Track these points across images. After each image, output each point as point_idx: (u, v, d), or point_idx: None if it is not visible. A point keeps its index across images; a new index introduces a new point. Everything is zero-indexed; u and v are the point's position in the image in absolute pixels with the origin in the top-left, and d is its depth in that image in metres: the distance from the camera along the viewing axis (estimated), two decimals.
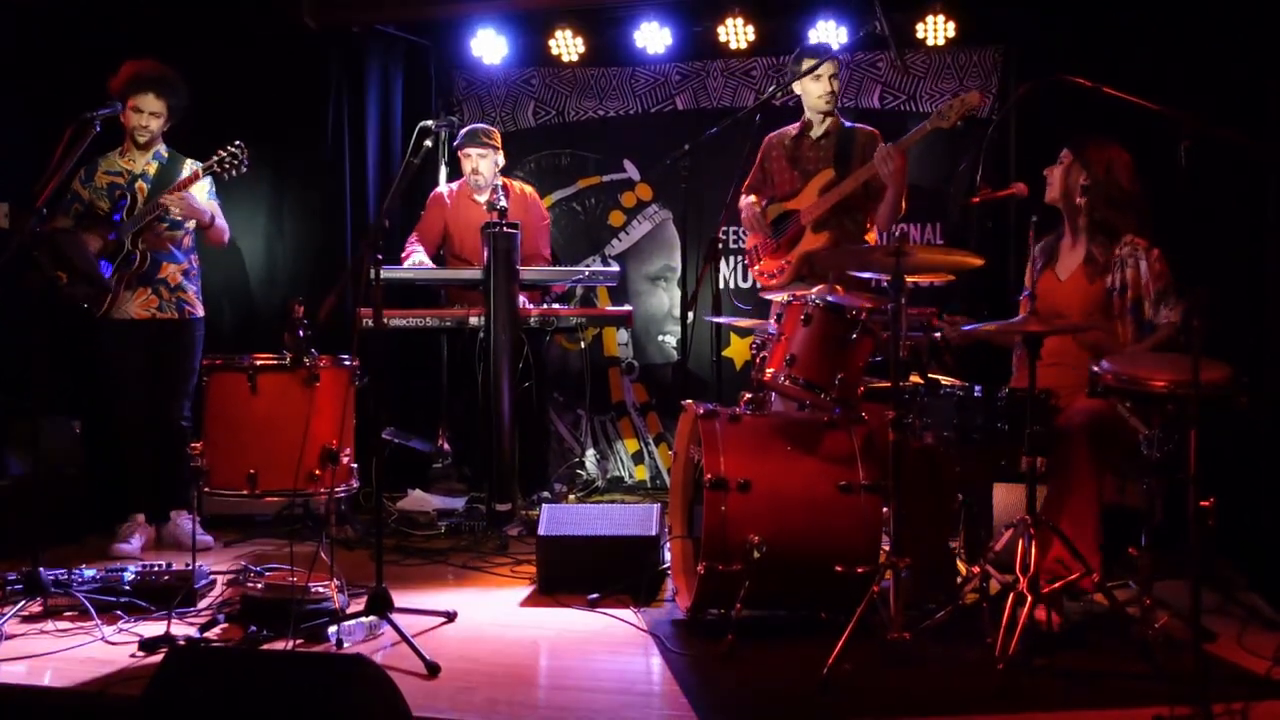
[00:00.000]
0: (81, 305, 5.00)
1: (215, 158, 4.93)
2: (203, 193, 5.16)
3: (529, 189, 6.04)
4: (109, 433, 5.27)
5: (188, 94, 5.15)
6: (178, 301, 5.16)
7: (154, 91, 5.04)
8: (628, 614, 4.03)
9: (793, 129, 5.23)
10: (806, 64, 4.98)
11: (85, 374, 5.55)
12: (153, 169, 5.15)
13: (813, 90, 5.06)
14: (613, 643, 3.76)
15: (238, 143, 4.93)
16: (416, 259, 5.73)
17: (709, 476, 3.74)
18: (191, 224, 5.17)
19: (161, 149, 5.20)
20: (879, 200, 4.98)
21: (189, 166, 5.18)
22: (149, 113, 5.06)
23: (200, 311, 5.26)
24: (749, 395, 4.24)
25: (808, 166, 5.13)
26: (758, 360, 4.26)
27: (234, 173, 4.95)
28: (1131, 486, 3.91)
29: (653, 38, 6.18)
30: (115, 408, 5.16)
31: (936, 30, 5.81)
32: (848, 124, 5.17)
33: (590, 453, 6.59)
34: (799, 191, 5.10)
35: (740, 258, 6.29)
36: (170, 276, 5.13)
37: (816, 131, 5.14)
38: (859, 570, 3.68)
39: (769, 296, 4.77)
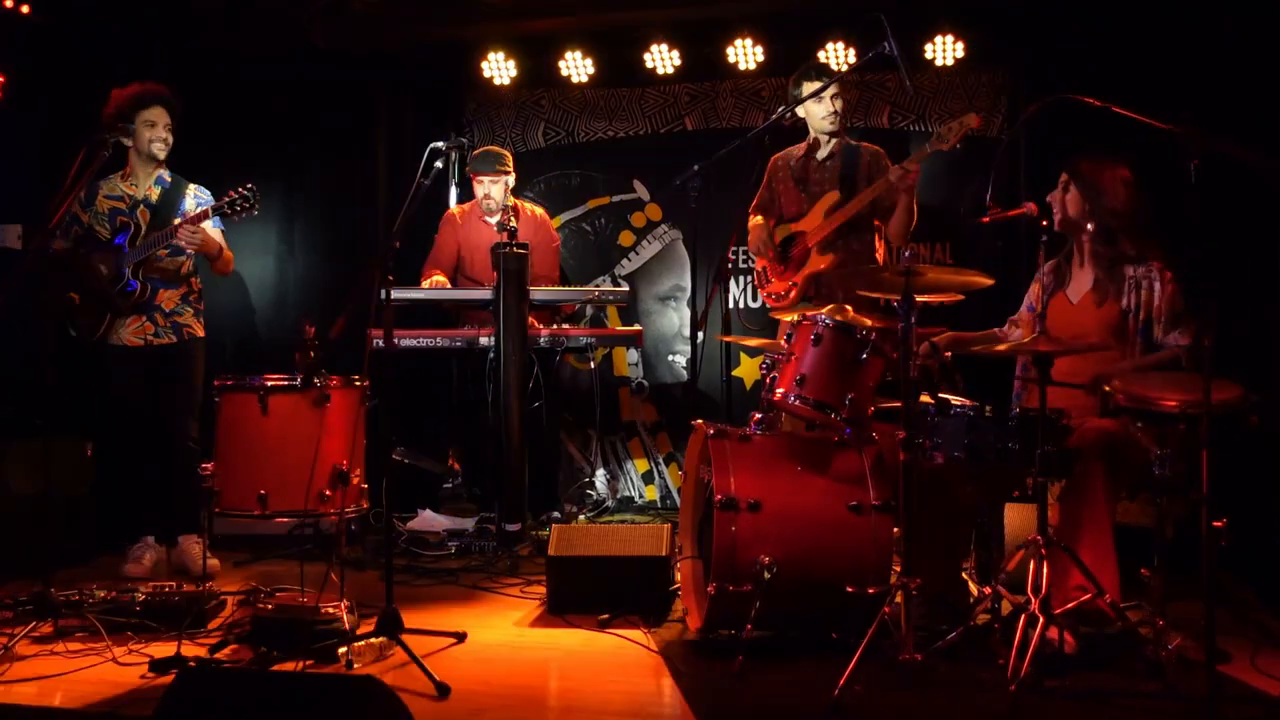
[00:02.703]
0: (70, 332, 5.00)
1: (226, 199, 4.81)
2: (209, 223, 5.11)
3: (540, 210, 6.06)
4: (119, 454, 5.26)
5: (181, 108, 5.13)
6: (174, 325, 5.10)
7: (160, 104, 5.02)
8: (638, 635, 4.02)
9: (799, 149, 5.24)
10: (807, 88, 5.00)
11: (97, 394, 5.56)
12: (155, 194, 5.11)
13: (815, 112, 5.08)
14: (623, 664, 3.75)
15: (250, 185, 4.83)
16: (437, 280, 5.75)
17: (719, 496, 3.73)
18: (193, 250, 5.07)
19: (164, 173, 5.16)
20: (888, 217, 4.99)
21: (192, 191, 5.17)
22: (163, 125, 5.04)
23: (200, 332, 5.20)
24: (759, 415, 4.24)
25: (813, 188, 5.14)
26: (767, 380, 4.26)
27: (244, 215, 4.85)
28: (1143, 506, 3.90)
29: (662, 59, 6.21)
30: (121, 431, 5.14)
31: (945, 51, 5.83)
32: (852, 142, 5.18)
33: (600, 472, 6.59)
34: (805, 213, 5.11)
35: (750, 278, 6.30)
36: (166, 302, 5.08)
37: (822, 152, 5.15)
38: (870, 591, 3.67)
39: (779, 316, 4.78)
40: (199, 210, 4.99)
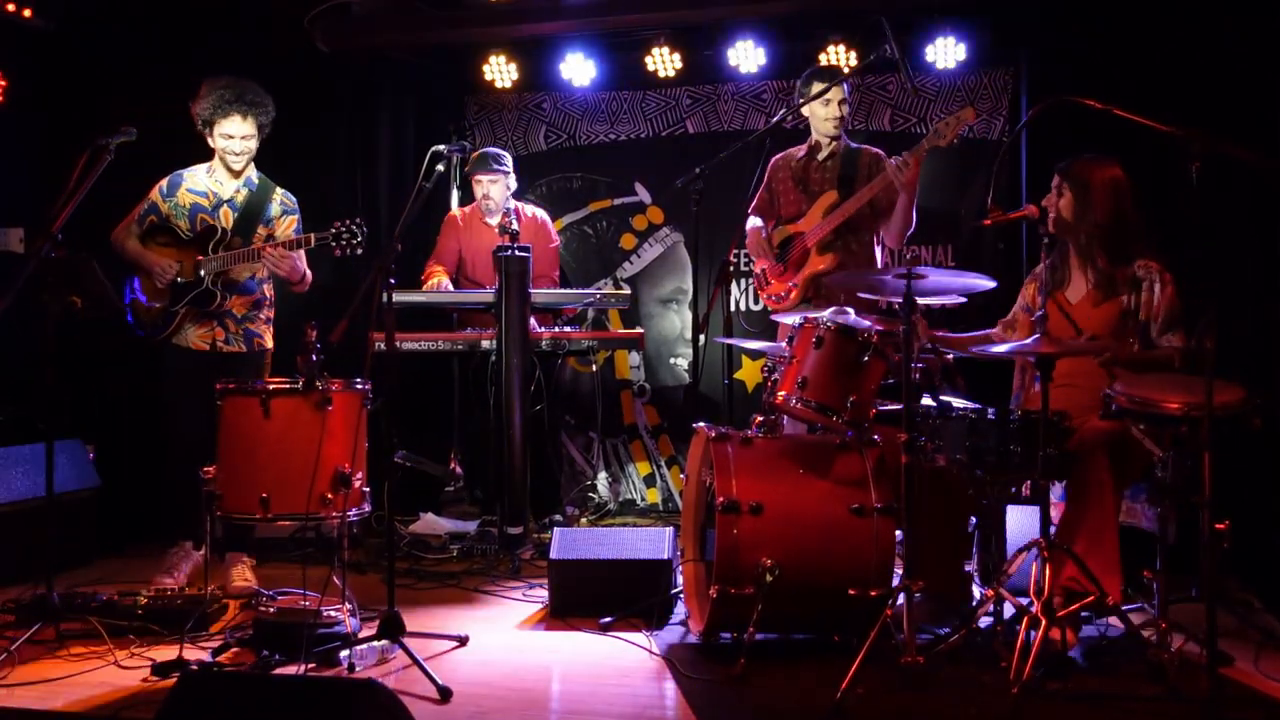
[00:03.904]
0: (138, 332, 4.86)
1: (332, 230, 4.64)
2: (291, 230, 4.95)
3: (540, 212, 6.06)
4: (137, 455, 5.07)
5: (273, 105, 4.91)
6: (245, 333, 4.94)
7: (240, 113, 4.80)
8: (640, 638, 4.02)
9: (799, 150, 5.24)
10: (816, 87, 4.99)
11: (101, 398, 5.56)
12: (241, 196, 4.93)
13: (820, 114, 5.07)
14: (625, 667, 3.76)
15: (358, 220, 4.66)
16: (437, 281, 5.74)
17: (721, 499, 3.73)
18: (281, 275, 4.85)
19: (252, 174, 4.98)
20: (886, 217, 4.99)
21: (278, 196, 4.98)
22: (240, 137, 4.83)
23: (270, 343, 5.04)
24: (761, 418, 4.24)
25: (813, 188, 5.14)
26: (769, 383, 4.26)
27: (349, 251, 4.66)
28: (1145, 508, 3.90)
29: (663, 62, 6.21)
30: (165, 432, 4.94)
31: (947, 53, 5.82)
32: (853, 145, 5.18)
33: (602, 475, 6.59)
34: (804, 214, 5.11)
35: (751, 280, 6.30)
36: (237, 308, 4.91)
37: (822, 154, 5.15)
38: (872, 593, 3.67)
39: (780, 319, 4.78)
40: (298, 235, 4.81)
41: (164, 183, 4.93)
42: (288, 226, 4.99)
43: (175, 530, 4.95)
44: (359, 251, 4.71)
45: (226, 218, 4.92)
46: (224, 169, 4.94)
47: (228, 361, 4.89)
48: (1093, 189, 4.06)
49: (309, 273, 5.00)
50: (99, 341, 5.14)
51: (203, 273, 4.82)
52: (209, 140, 4.90)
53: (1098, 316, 4.08)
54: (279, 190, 5.02)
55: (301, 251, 4.92)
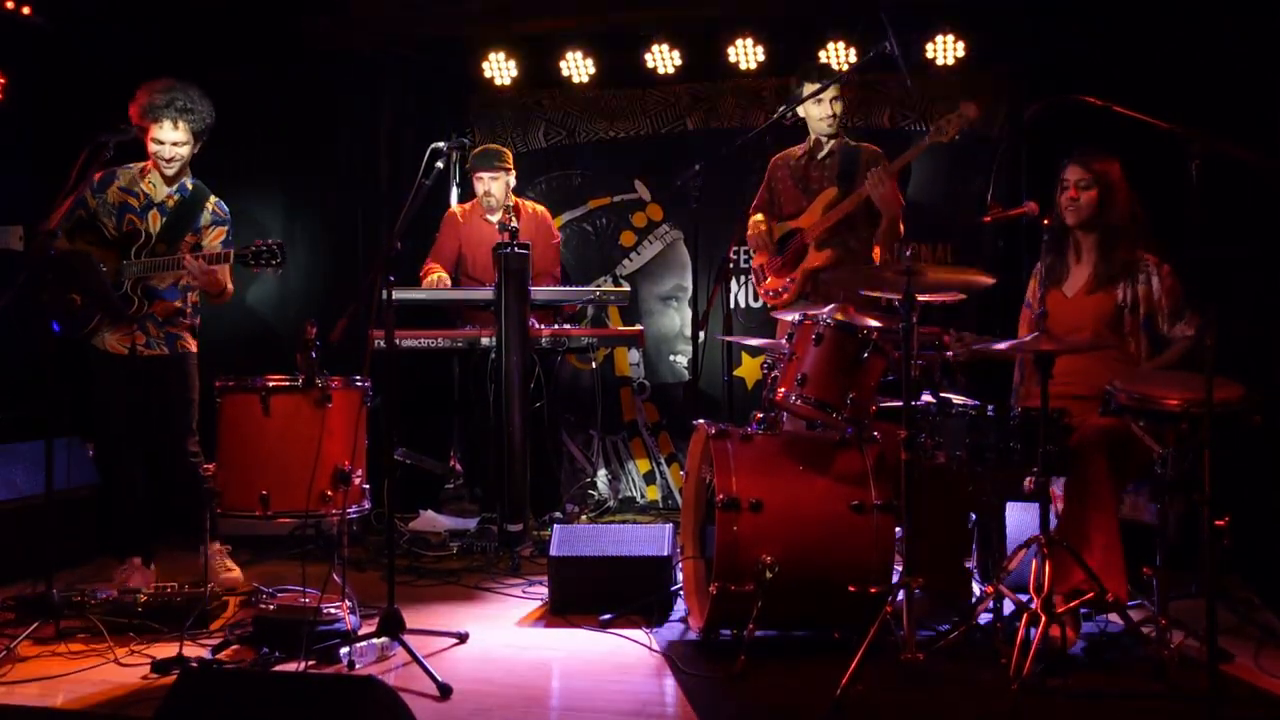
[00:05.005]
0: (55, 329, 4.71)
1: (251, 248, 4.53)
2: (219, 241, 4.85)
3: (540, 209, 6.05)
4: (106, 463, 5.00)
5: (210, 111, 4.80)
6: (167, 336, 4.82)
7: (170, 119, 4.69)
8: (640, 635, 4.02)
9: (799, 149, 5.25)
10: (807, 89, 5.00)
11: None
12: (172, 201, 4.81)
13: (814, 113, 5.08)
14: (625, 664, 3.76)
15: (278, 242, 4.54)
16: (436, 278, 5.74)
17: (721, 496, 3.73)
18: (196, 285, 4.79)
19: (187, 180, 4.86)
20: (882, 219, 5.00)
21: (210, 205, 4.88)
22: (170, 143, 4.72)
23: (193, 346, 4.91)
24: (761, 415, 4.24)
25: (813, 185, 5.15)
26: (769, 380, 4.26)
27: (264, 269, 4.60)
28: (1145, 505, 3.90)
29: (663, 59, 6.21)
30: (105, 441, 4.90)
31: (946, 50, 5.83)
32: (852, 142, 5.18)
33: (602, 473, 6.59)
34: (804, 210, 5.12)
35: (751, 277, 6.30)
36: (160, 312, 4.79)
37: (822, 152, 5.16)
38: (872, 590, 3.67)
39: (780, 316, 4.79)
40: (220, 250, 4.73)
41: (96, 178, 4.79)
42: (215, 237, 4.86)
43: (126, 544, 4.87)
44: (279, 272, 4.69)
45: (155, 221, 4.81)
46: (158, 172, 4.83)
47: (150, 365, 4.81)
48: (1115, 186, 4.07)
49: (230, 286, 4.89)
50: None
51: (123, 278, 4.72)
52: (146, 145, 4.79)
53: (1090, 308, 4.08)
54: (213, 199, 4.91)
55: (225, 266, 4.80)
